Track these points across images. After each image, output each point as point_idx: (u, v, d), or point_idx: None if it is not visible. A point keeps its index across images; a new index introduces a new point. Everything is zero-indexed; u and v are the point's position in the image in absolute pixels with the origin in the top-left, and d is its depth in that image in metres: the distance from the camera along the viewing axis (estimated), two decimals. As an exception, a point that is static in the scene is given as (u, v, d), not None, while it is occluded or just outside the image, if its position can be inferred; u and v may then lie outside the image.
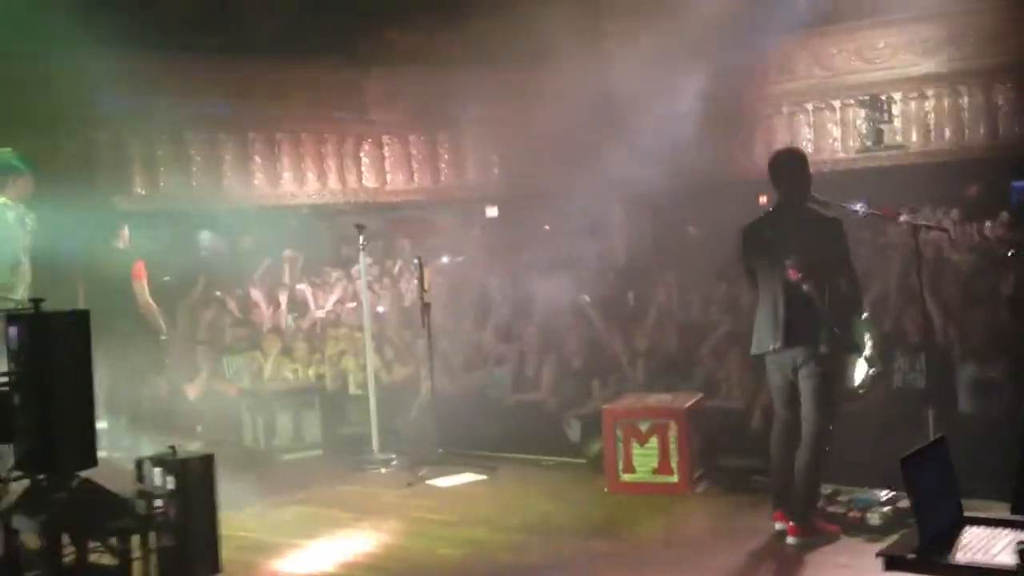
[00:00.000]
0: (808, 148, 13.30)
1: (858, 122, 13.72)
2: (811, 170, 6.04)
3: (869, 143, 13.60)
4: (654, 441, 7.19)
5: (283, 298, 10.97)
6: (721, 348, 8.21)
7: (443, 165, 15.34)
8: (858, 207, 6.64)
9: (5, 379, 4.53)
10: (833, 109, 14.02)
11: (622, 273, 11.76)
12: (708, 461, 7.42)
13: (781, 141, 13.44)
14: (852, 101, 13.80)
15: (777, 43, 13.42)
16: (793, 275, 5.69)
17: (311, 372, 9.93)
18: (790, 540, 5.92)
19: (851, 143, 13.87)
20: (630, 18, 13.32)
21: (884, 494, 6.20)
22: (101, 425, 5.25)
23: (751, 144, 14.25)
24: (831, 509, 6.18)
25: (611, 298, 10.46)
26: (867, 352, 5.95)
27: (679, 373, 8.34)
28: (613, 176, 11.62)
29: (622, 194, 12.25)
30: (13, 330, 4.51)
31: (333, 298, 11.28)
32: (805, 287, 5.68)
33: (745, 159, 13.82)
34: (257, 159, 13.80)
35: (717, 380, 8.07)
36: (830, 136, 14.03)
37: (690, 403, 7.39)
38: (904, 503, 5.71)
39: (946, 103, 13.31)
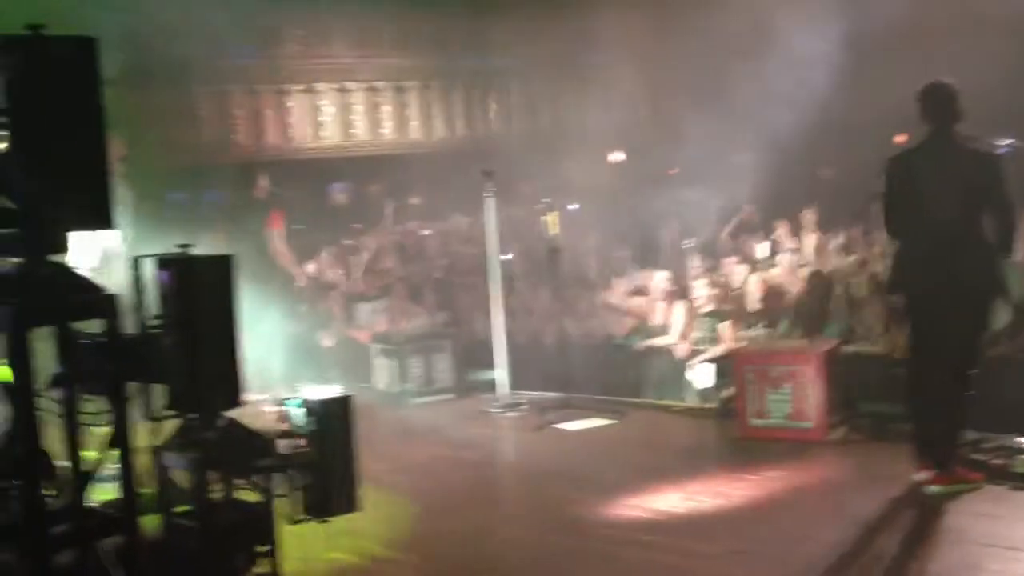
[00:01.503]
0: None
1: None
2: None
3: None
4: (787, 387, 7.06)
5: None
6: (859, 292, 7.96)
7: (562, 110, 15.20)
8: (1007, 143, 6.31)
9: (157, 322, 4.70)
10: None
11: (749, 219, 11.50)
12: (845, 407, 7.23)
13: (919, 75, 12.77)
14: None
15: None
16: (947, 212, 5.45)
17: (439, 319, 10.05)
18: (931, 489, 5.74)
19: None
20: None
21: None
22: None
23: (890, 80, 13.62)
24: (975, 456, 5.97)
25: (739, 243, 10.25)
26: (1012, 298, 5.67)
27: (815, 317, 8.12)
28: (744, 117, 11.33)
29: (754, 136, 11.94)
30: (163, 274, 4.67)
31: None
32: (959, 226, 5.45)
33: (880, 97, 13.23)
34: (385, 108, 13.95)
35: (855, 325, 7.83)
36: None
37: (826, 348, 7.22)
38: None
39: None
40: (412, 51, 14.17)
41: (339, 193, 13.61)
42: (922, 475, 5.83)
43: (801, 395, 7.01)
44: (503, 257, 10.55)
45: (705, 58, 12.71)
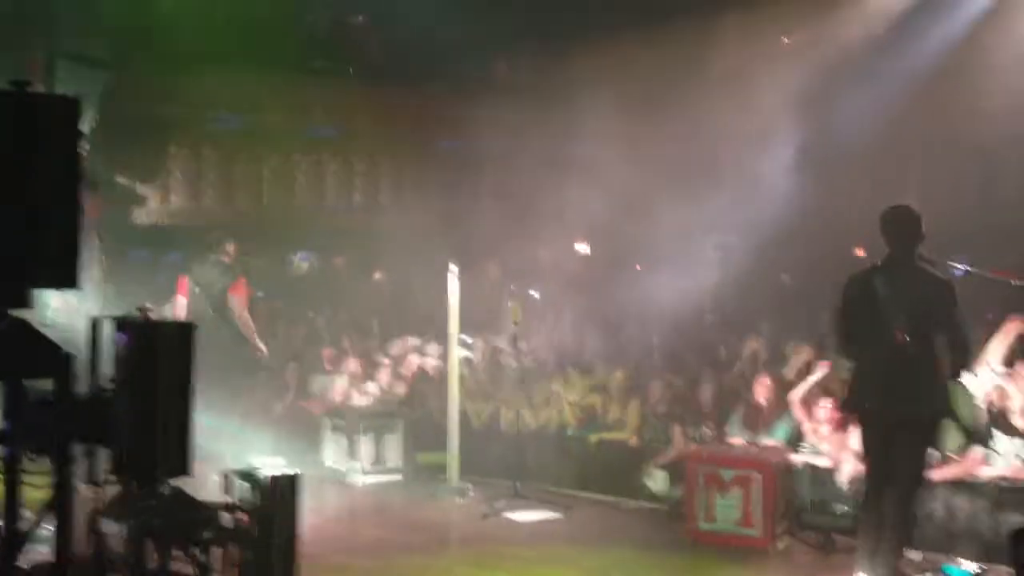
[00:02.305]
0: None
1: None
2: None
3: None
4: (737, 491, 7.07)
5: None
6: (811, 401, 8.04)
7: (543, 196, 15.33)
8: (960, 266, 6.43)
9: (110, 384, 4.65)
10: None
11: (715, 320, 11.62)
12: (791, 517, 7.25)
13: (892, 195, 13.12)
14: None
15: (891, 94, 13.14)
16: (901, 336, 5.56)
17: (393, 394, 10.00)
18: (872, 605, 5.75)
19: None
20: (737, 64, 13.22)
21: (974, 566, 6.00)
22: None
23: (854, 196, 13.97)
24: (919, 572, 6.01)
25: (703, 344, 10.34)
26: (964, 420, 5.76)
27: (766, 425, 8.18)
28: (708, 221, 11.53)
29: (717, 239, 12.15)
30: (121, 337, 4.64)
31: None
32: (913, 349, 5.55)
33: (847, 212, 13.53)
34: (358, 182, 14.03)
35: (805, 434, 7.89)
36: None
37: (777, 456, 7.26)
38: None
39: None
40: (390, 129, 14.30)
41: (302, 262, 13.62)
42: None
43: (750, 501, 7.02)
44: (465, 339, 10.58)
45: (678, 164, 12.98)
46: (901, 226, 5.83)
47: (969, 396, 5.81)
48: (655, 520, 7.80)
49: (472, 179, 15.04)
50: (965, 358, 5.76)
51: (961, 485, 6.55)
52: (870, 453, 5.92)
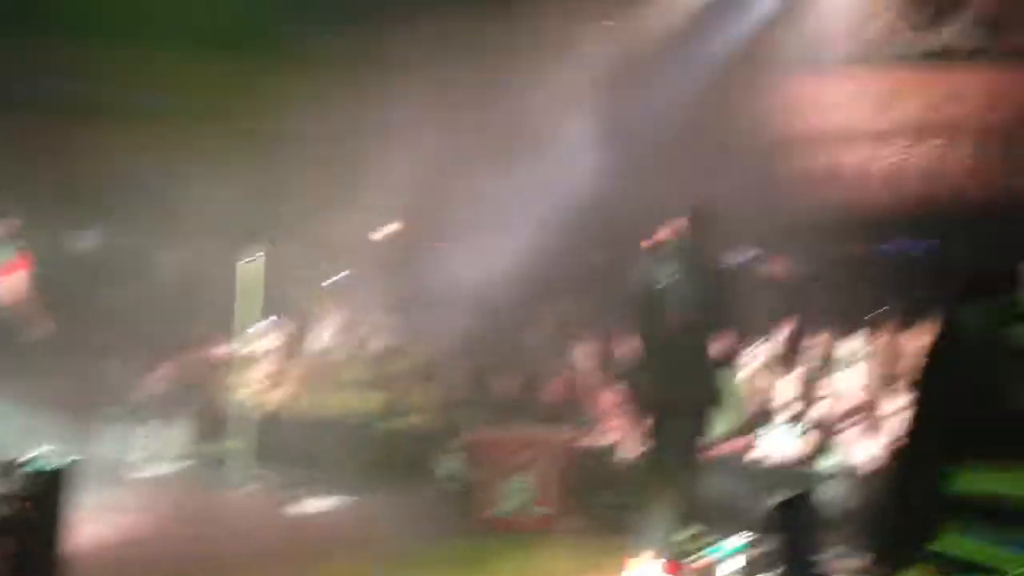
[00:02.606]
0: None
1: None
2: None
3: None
4: (527, 474, 7.15)
5: None
6: (595, 385, 8.22)
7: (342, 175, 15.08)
8: (746, 258, 6.69)
9: None
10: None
11: (504, 306, 11.71)
12: (579, 497, 7.39)
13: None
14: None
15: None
16: (676, 323, 5.76)
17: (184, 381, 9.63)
18: (664, 577, 5.93)
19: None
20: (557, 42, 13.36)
21: (744, 540, 6.27)
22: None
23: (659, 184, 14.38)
24: (691, 550, 6.22)
25: (503, 328, 10.41)
26: (736, 406, 5.97)
27: (554, 409, 8.32)
28: (515, 202, 11.61)
29: (525, 222, 12.26)
30: None
31: None
32: (687, 336, 5.74)
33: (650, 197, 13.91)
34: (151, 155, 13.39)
35: (591, 417, 8.07)
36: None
37: (563, 438, 7.39)
38: (765, 548, 5.78)
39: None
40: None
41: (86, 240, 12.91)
42: (639, 564, 6.01)
43: (536, 484, 7.12)
44: (260, 324, 10.27)
45: (489, 144, 13.02)
46: (698, 221, 6.01)
47: (739, 384, 6.04)
48: (448, 506, 7.78)
49: (277, 155, 14.62)
50: (735, 348, 5.98)
51: (730, 466, 6.85)
52: (650, 435, 6.09)
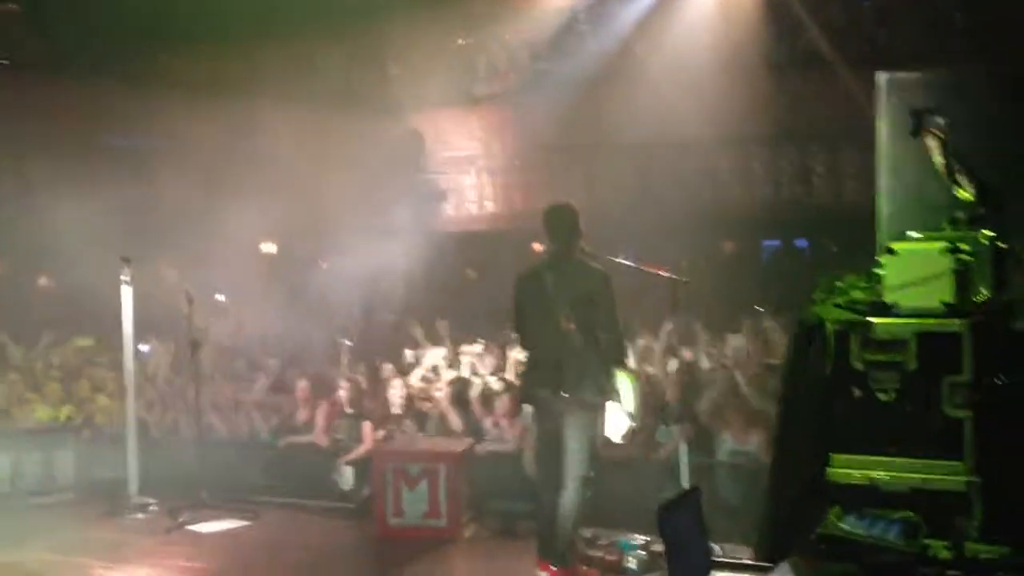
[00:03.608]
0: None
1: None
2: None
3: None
4: (424, 485, 7.21)
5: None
6: (490, 394, 8.34)
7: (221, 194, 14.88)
8: (623, 259, 6.84)
9: None
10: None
11: (400, 316, 11.78)
12: (477, 505, 7.49)
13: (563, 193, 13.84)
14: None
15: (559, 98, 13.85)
16: (566, 324, 5.88)
17: (64, 411, 9.36)
18: (552, 584, 6.05)
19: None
20: (415, 64, 13.47)
21: (642, 539, 6.46)
22: None
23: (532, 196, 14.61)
24: (590, 552, 6.38)
25: (389, 341, 10.45)
26: (627, 405, 6.11)
27: (450, 419, 8.41)
28: (395, 216, 11.66)
29: (402, 235, 12.31)
30: None
31: None
32: (575, 337, 5.88)
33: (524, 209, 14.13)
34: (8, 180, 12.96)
35: (487, 426, 8.19)
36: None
37: (460, 447, 7.47)
38: (660, 547, 5.96)
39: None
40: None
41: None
42: (543, 572, 6.13)
43: (436, 494, 7.19)
44: (142, 347, 10.07)
45: (364, 159, 13.02)
46: (560, 222, 6.15)
47: (631, 383, 6.20)
48: (345, 519, 7.79)
49: (145, 177, 14.31)
50: (620, 347, 6.16)
51: (628, 465, 7.05)
52: (542, 440, 6.21)
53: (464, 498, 7.30)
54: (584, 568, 6.22)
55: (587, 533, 6.44)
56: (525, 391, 6.24)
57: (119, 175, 13.96)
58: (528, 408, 6.40)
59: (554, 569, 6.06)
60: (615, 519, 6.69)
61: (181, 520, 7.71)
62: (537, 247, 10.00)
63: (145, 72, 13.78)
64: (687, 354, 8.64)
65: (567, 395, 5.92)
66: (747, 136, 13.48)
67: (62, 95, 13.20)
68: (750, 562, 5.74)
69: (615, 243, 8.02)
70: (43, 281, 12.85)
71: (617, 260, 6.52)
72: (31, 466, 8.47)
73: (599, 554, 6.35)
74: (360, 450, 8.23)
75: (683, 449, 6.64)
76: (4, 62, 12.82)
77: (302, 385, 9.03)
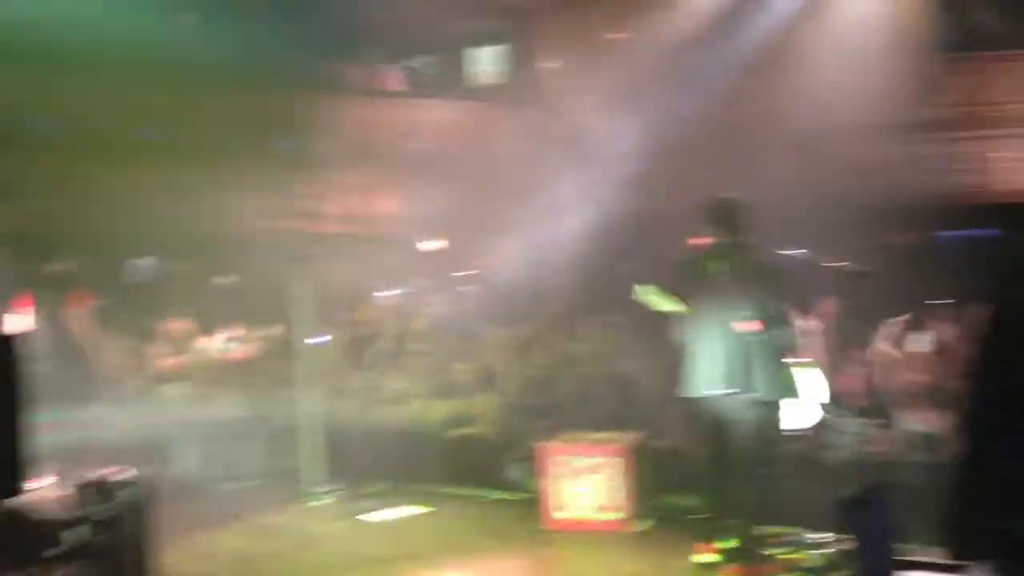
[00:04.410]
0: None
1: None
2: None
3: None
4: (593, 478, 7.19)
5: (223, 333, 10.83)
6: (661, 390, 8.23)
7: (382, 198, 15.29)
8: (794, 255, 6.65)
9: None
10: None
11: (565, 312, 11.77)
12: (648, 500, 7.41)
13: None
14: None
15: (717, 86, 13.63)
16: (742, 320, 5.76)
17: (253, 403, 9.74)
18: (728, 580, 5.94)
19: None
20: (569, 58, 13.46)
21: (823, 536, 6.26)
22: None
23: (695, 187, 14.41)
24: (771, 550, 6.22)
25: (555, 337, 10.44)
26: (804, 398, 5.96)
27: (620, 411, 8.34)
28: (556, 213, 11.68)
29: (565, 231, 12.32)
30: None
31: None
32: (749, 331, 5.74)
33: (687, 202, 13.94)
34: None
35: (659, 420, 8.08)
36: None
37: (631, 442, 7.40)
38: (843, 546, 5.76)
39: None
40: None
41: (143, 270, 13.14)
42: (704, 556, 6.01)
43: (606, 487, 7.15)
44: (318, 340, 10.38)
45: (523, 154, 13.10)
46: (730, 214, 6.01)
47: (807, 377, 6.02)
48: (517, 511, 7.84)
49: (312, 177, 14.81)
50: (793, 339, 5.97)
51: (810, 459, 6.84)
52: (710, 435, 6.08)
53: (635, 492, 7.23)
54: (765, 566, 6.06)
55: (768, 530, 6.27)
56: (690, 384, 6.10)
57: (289, 177, 14.54)
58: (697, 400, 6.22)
59: (733, 565, 5.93)
60: (798, 515, 6.49)
61: (361, 507, 7.91)
62: (696, 240, 9.79)
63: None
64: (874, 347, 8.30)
65: (738, 390, 5.80)
66: (920, 122, 12.94)
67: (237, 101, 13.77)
68: (943, 561, 5.47)
69: (781, 235, 7.83)
70: (223, 279, 13.41)
71: (792, 255, 6.33)
72: (220, 454, 8.84)
73: (780, 551, 6.18)
74: (528, 444, 8.25)
75: (869, 442, 6.40)
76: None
77: (470, 375, 9.15)
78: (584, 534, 7.05)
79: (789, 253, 6.36)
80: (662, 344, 9.25)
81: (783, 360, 5.91)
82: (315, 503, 8.23)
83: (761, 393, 5.80)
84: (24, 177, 9.94)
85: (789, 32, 12.58)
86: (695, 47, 13.23)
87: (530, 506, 7.69)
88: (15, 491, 4.62)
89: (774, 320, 5.83)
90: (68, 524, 5.09)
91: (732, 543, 5.98)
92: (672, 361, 8.61)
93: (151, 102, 12.25)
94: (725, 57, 13.14)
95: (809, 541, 6.24)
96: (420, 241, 15.25)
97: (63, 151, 11.22)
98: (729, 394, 5.84)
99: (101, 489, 5.15)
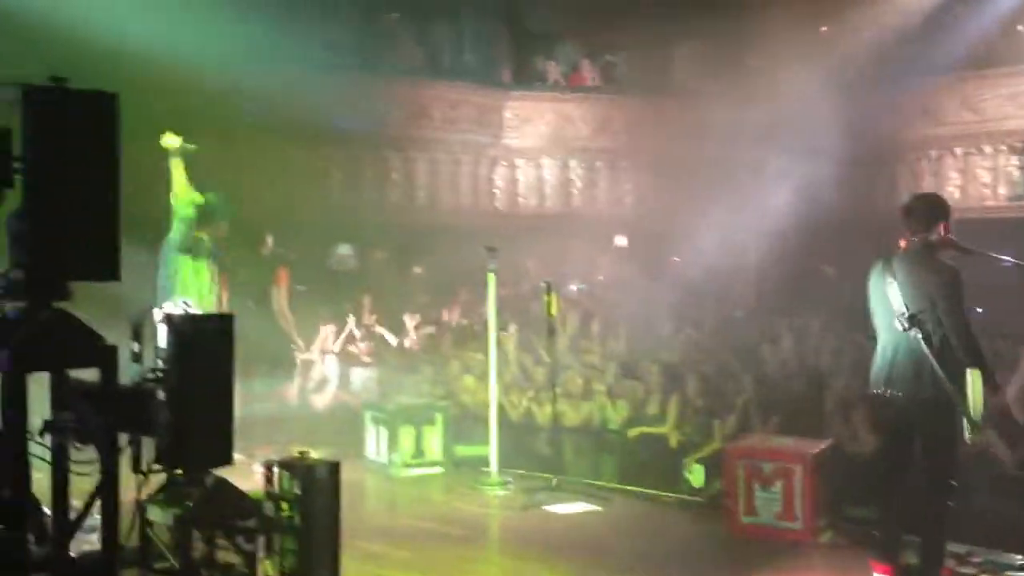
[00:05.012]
0: (955, 194, 12.92)
1: (1010, 169, 13.24)
2: (954, 216, 5.86)
3: (1021, 191, 13.09)
4: (778, 484, 7.02)
5: (408, 319, 11.19)
6: (850, 396, 7.98)
7: (574, 191, 15.44)
8: (1006, 258, 6.33)
9: (153, 375, 4.72)
10: (984, 155, 13.54)
11: (753, 312, 11.57)
12: (834, 510, 7.19)
13: (927, 185, 13.10)
14: (1004, 147, 13.32)
15: (926, 85, 13.12)
16: (901, 321, 5.57)
17: (434, 389, 10.04)
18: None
19: (1001, 191, 13.38)
20: (775, 54, 13.17)
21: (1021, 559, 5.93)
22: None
23: (895, 187, 13.91)
24: (962, 570, 5.93)
25: (740, 338, 10.30)
26: (973, 408, 5.62)
27: (805, 418, 8.13)
28: (748, 211, 11.48)
29: (756, 231, 12.09)
30: (166, 330, 4.72)
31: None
32: (915, 333, 5.53)
33: (887, 202, 13.47)
34: (394, 176, 14.11)
35: (844, 427, 7.84)
36: (980, 182, 13.55)
37: (818, 448, 7.20)
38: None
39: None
40: (424, 121, 14.35)
41: (343, 256, 13.69)
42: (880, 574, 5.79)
43: (791, 494, 6.97)
44: (503, 332, 10.59)
45: (717, 152, 12.93)
46: (922, 213, 5.80)
47: (979, 385, 5.68)
48: (694, 513, 7.75)
49: (508, 173, 15.10)
50: (967, 347, 5.64)
51: (987, 474, 6.49)
52: (884, 440, 5.86)
53: (820, 501, 7.03)
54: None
55: (959, 549, 5.98)
56: (871, 387, 5.90)
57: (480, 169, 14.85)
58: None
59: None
60: (989, 535, 6.17)
61: (536, 499, 8.02)
62: (902, 243, 9.42)
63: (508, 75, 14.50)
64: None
65: (900, 393, 5.59)
66: None
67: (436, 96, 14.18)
68: None
69: (996, 238, 7.42)
70: (417, 269, 13.85)
71: (1004, 259, 6.02)
72: (404, 440, 9.13)
73: (971, 572, 5.88)
74: (710, 447, 8.17)
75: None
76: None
77: (654, 375, 9.12)
78: (767, 543, 6.90)
79: (1003, 257, 6.07)
80: (855, 344, 9.01)
81: (959, 364, 5.61)
82: (493, 491, 8.38)
83: (927, 393, 5.55)
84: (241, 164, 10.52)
85: (1007, 28, 11.94)
86: (907, 44, 12.74)
87: (711, 509, 7.59)
88: (225, 461, 4.94)
89: (945, 324, 5.56)
90: (267, 497, 5.38)
91: (911, 561, 5.73)
92: (864, 361, 8.37)
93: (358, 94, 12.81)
94: (939, 55, 12.63)
95: (1006, 563, 5.90)
96: (612, 236, 15.32)
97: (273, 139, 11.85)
98: (903, 395, 5.61)
99: (297, 466, 5.41)
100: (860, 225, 12.55)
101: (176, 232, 7.65)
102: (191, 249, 7.63)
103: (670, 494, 8.13)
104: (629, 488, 8.36)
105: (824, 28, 13.63)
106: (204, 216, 7.67)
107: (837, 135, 11.82)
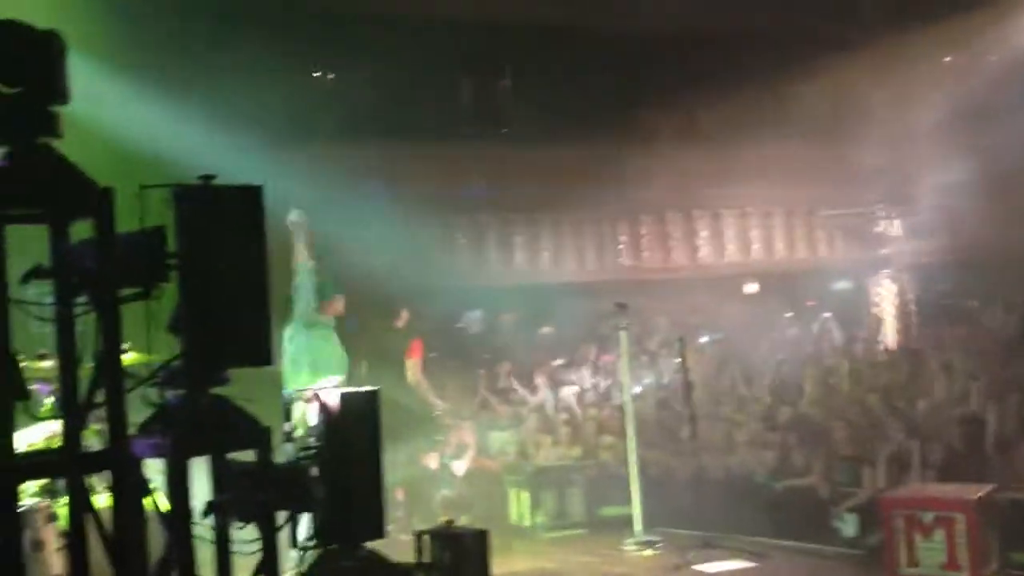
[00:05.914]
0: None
1: None
2: None
3: None
4: (940, 534, 6.71)
5: (540, 379, 11.17)
6: (1009, 438, 7.61)
7: (700, 242, 15.28)
8: None
9: (307, 453, 4.84)
10: None
11: (897, 353, 11.20)
12: (1001, 556, 6.83)
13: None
14: None
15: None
16: None
17: (574, 451, 9.98)
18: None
19: None
20: (902, 91, 12.90)
21: None
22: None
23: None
24: None
25: (886, 380, 9.95)
26: None
27: (960, 464, 7.76)
28: (883, 251, 11.19)
29: (892, 269, 11.76)
30: (317, 407, 4.85)
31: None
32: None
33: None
34: (517, 238, 14.22)
35: (1007, 471, 7.46)
36: None
37: (980, 494, 6.86)
38: None
39: None
40: (545, 182, 14.45)
41: (473, 321, 13.81)
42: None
43: (954, 543, 6.66)
44: (635, 389, 10.49)
45: (844, 192, 12.67)
46: None
47: None
48: (851, 566, 7.48)
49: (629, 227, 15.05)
50: None
51: None
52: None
53: (986, 549, 6.69)
54: None
55: None
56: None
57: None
58: None
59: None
60: None
61: (688, 559, 7.85)
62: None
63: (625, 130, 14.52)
64: None
65: None
66: None
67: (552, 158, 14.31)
68: None
69: None
70: (545, 329, 13.87)
71: None
72: (547, 502, 9.09)
73: None
74: (862, 496, 7.87)
75: None
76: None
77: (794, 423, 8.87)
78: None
79: None
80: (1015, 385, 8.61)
81: None
82: (640, 552, 8.25)
83: None
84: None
85: None
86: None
87: (870, 561, 7.30)
88: (379, 533, 5.01)
89: None
90: (418, 567, 5.42)
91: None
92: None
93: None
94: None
95: None
96: (743, 284, 15.10)
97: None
98: None
99: (445, 535, 5.45)
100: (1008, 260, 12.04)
101: (300, 311, 7.62)
102: (315, 325, 7.59)
103: (825, 547, 7.87)
104: (781, 542, 8.12)
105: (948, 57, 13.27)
106: (319, 294, 7.66)
107: (974, 169, 11.45)
